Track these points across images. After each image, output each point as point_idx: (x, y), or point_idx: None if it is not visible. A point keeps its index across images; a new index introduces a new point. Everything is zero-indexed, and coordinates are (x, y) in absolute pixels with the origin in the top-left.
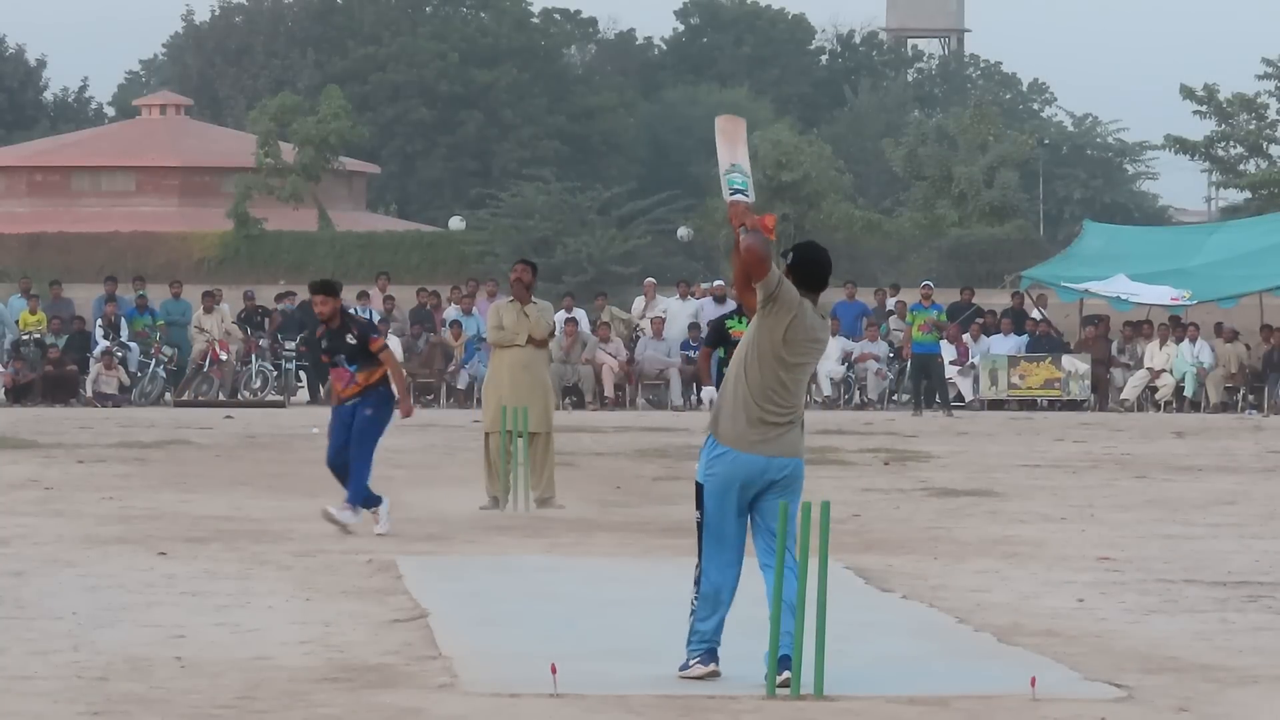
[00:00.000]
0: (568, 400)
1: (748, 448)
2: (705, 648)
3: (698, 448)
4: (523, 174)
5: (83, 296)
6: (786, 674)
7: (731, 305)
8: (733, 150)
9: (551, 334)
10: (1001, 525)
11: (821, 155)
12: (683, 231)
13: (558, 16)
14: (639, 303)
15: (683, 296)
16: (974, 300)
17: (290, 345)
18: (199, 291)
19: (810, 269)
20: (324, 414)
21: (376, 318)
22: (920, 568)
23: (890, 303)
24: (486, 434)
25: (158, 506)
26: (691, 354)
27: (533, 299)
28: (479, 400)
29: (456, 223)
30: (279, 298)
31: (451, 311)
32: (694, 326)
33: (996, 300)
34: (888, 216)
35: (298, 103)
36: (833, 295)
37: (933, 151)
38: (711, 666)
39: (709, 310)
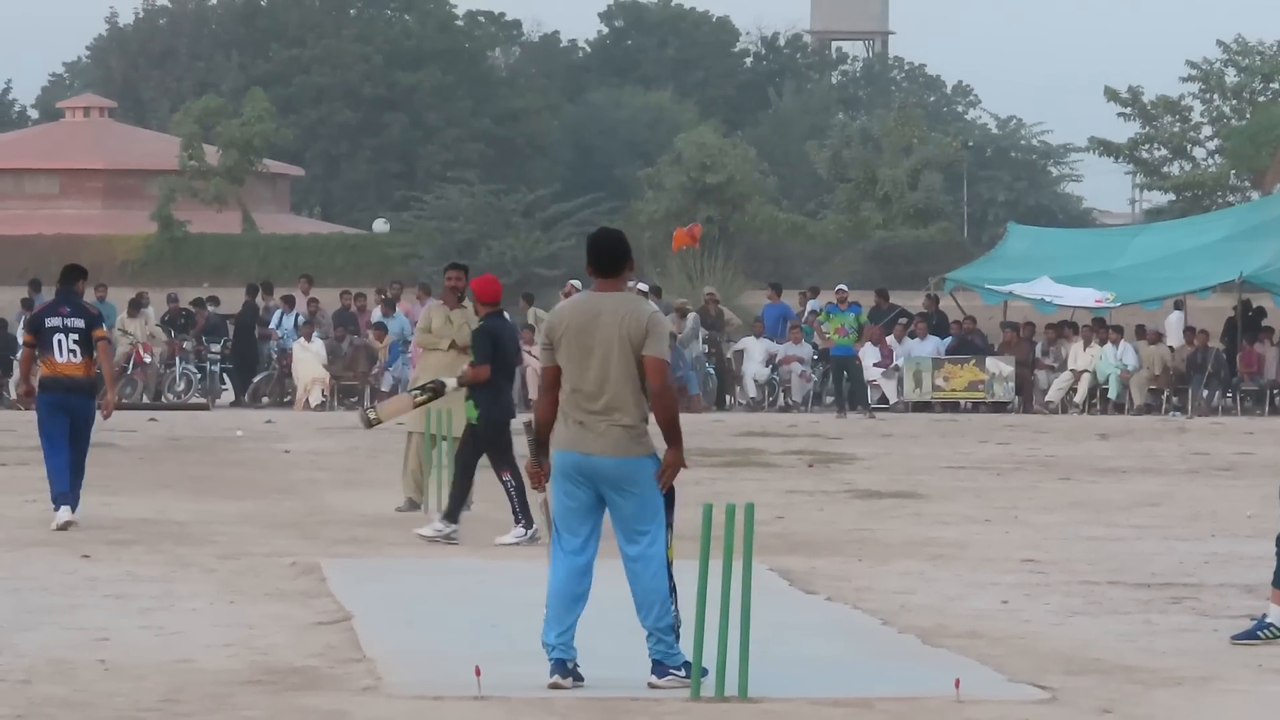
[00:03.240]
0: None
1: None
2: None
3: None
4: (447, 176)
5: (5, 299)
6: (653, 677)
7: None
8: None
9: None
10: (926, 527)
11: (746, 158)
12: None
13: (482, 19)
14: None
15: None
16: (891, 302)
17: (215, 348)
18: (123, 294)
19: (592, 251)
20: (250, 417)
21: (301, 320)
22: (845, 569)
23: (812, 304)
24: (409, 435)
25: (81, 509)
26: None
27: (463, 304)
28: None
29: (380, 225)
30: (198, 302)
31: (376, 314)
32: None
33: (920, 303)
34: (812, 219)
35: (222, 105)
36: (757, 298)
37: (857, 154)
38: (555, 679)
39: None
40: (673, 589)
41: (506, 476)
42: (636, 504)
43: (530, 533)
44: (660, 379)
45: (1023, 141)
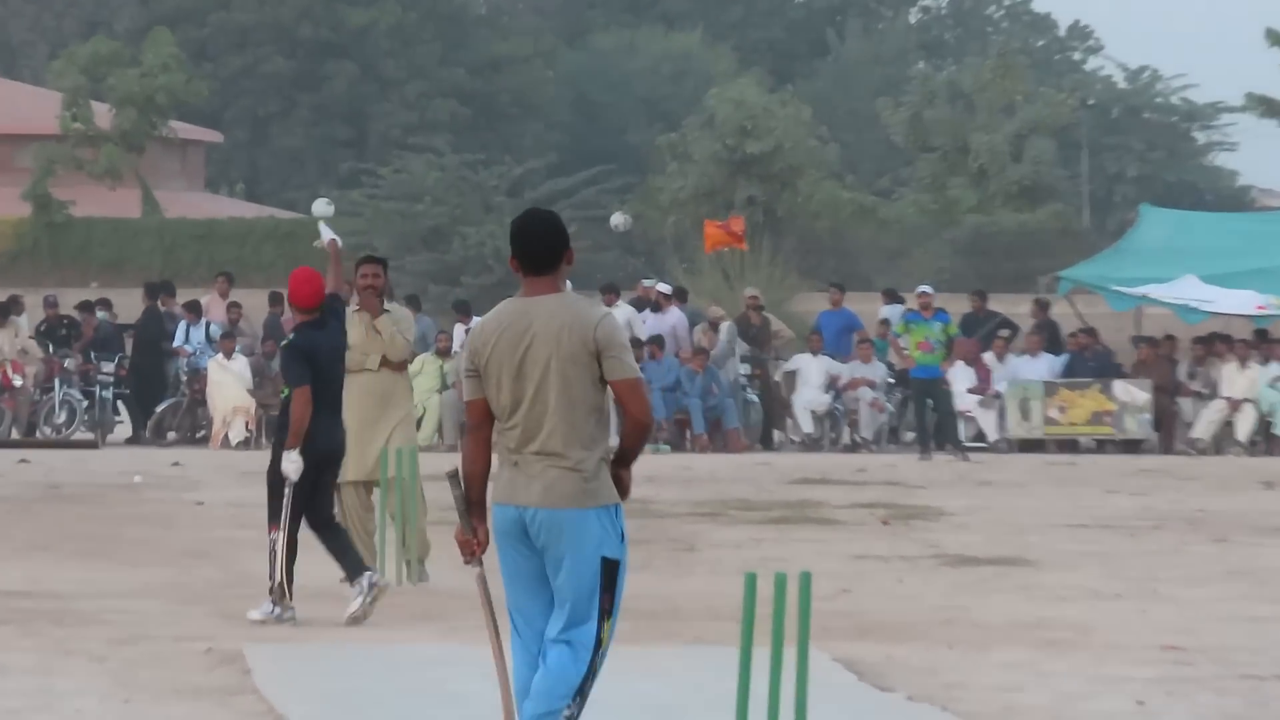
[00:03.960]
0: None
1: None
2: None
3: (636, 500)
4: (408, 143)
5: None
6: None
7: (677, 316)
8: None
9: (411, 355)
10: (1037, 604)
11: (798, 119)
12: (617, 219)
13: None
14: None
15: (609, 305)
16: (990, 309)
17: (107, 368)
18: None
19: (516, 240)
20: (152, 457)
21: (217, 332)
22: (931, 659)
23: (886, 312)
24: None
25: None
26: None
27: (387, 307)
28: None
29: (322, 207)
30: (85, 306)
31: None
32: (635, 343)
33: (1028, 309)
34: (885, 200)
35: (116, 50)
36: (814, 303)
37: (943, 115)
38: None
39: (649, 322)
40: (583, 692)
41: (273, 534)
42: (569, 570)
43: (279, 612)
44: (642, 406)
45: (1159, 100)
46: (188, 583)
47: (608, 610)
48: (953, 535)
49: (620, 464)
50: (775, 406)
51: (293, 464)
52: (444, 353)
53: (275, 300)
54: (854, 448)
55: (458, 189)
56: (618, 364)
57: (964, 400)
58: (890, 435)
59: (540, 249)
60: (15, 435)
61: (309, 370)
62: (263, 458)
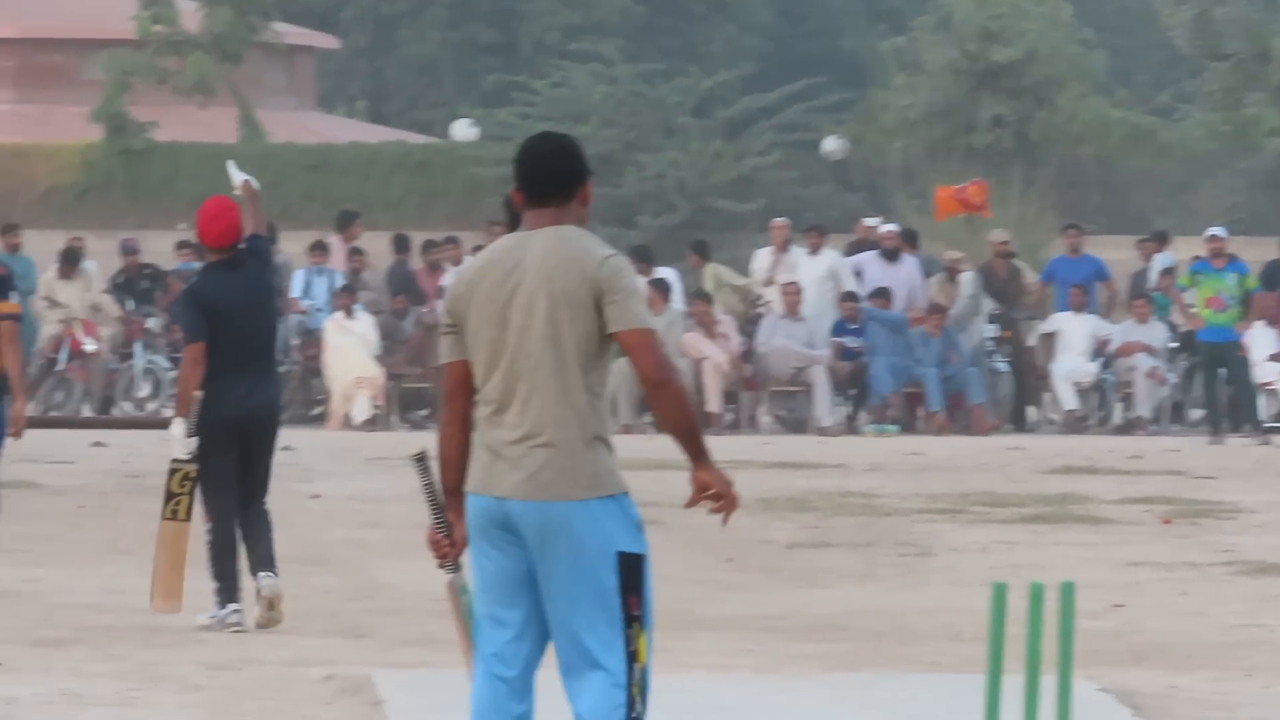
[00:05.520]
0: (647, 418)
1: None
2: None
3: (857, 493)
4: (570, 50)
5: None
6: None
7: (910, 265)
8: None
9: None
10: None
11: (1057, 20)
12: (832, 144)
13: None
14: (762, 258)
15: (812, 249)
16: None
17: None
18: (48, 241)
19: (520, 165)
20: None
21: (338, 284)
22: (1225, 690)
23: (1164, 260)
24: None
25: None
26: (848, 341)
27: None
28: None
29: (464, 129)
30: (180, 250)
31: (453, 274)
32: (849, 297)
33: None
34: (1165, 120)
35: None
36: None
37: (1238, 13)
38: None
39: (873, 269)
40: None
41: (207, 524)
42: (573, 579)
43: (224, 615)
44: (653, 360)
45: None
46: (301, 595)
47: (637, 616)
48: (1251, 537)
49: (694, 460)
50: (1030, 377)
51: (177, 435)
52: None
53: (402, 245)
54: (1127, 428)
55: (631, 107)
56: (623, 310)
57: (1265, 370)
58: (1173, 413)
59: (541, 173)
60: (88, 412)
61: (204, 323)
62: (393, 440)
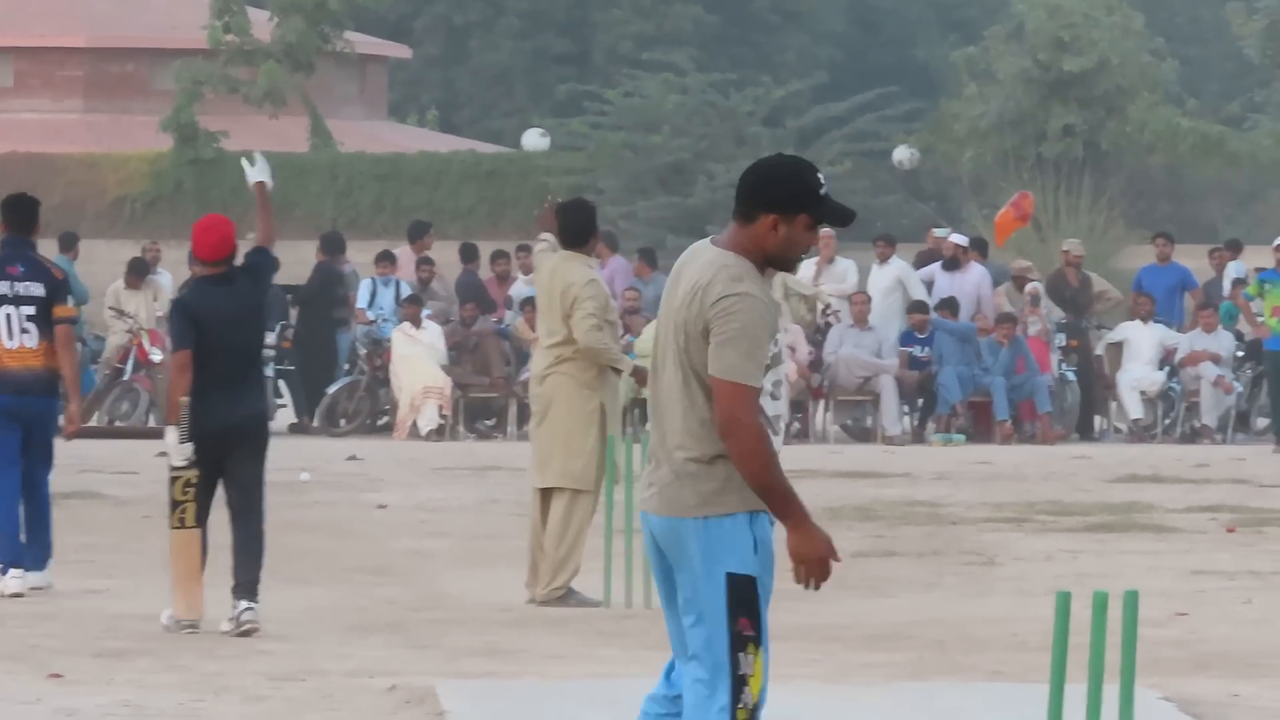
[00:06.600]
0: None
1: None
2: None
3: (923, 502)
4: (642, 60)
5: None
6: None
7: (979, 274)
8: None
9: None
10: None
11: (1128, 30)
12: (903, 153)
13: None
14: (807, 268)
15: (881, 259)
16: None
17: (268, 339)
18: (118, 250)
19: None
20: (322, 449)
21: (406, 293)
22: None
23: (1235, 269)
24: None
25: (50, 599)
26: (918, 351)
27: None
28: None
29: (535, 138)
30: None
31: (524, 284)
32: (918, 307)
33: None
34: (1235, 130)
35: None
36: (1146, 256)
37: None
38: None
39: (941, 279)
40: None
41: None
42: (689, 592)
43: (171, 616)
44: (723, 409)
45: None
46: (366, 605)
47: (750, 637)
48: None
49: (781, 521)
50: (1097, 386)
51: (172, 443)
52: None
53: (469, 255)
54: (1194, 437)
55: (703, 117)
56: (716, 354)
57: None
58: (1239, 422)
59: (739, 186)
60: (153, 423)
61: (191, 333)
62: (460, 450)
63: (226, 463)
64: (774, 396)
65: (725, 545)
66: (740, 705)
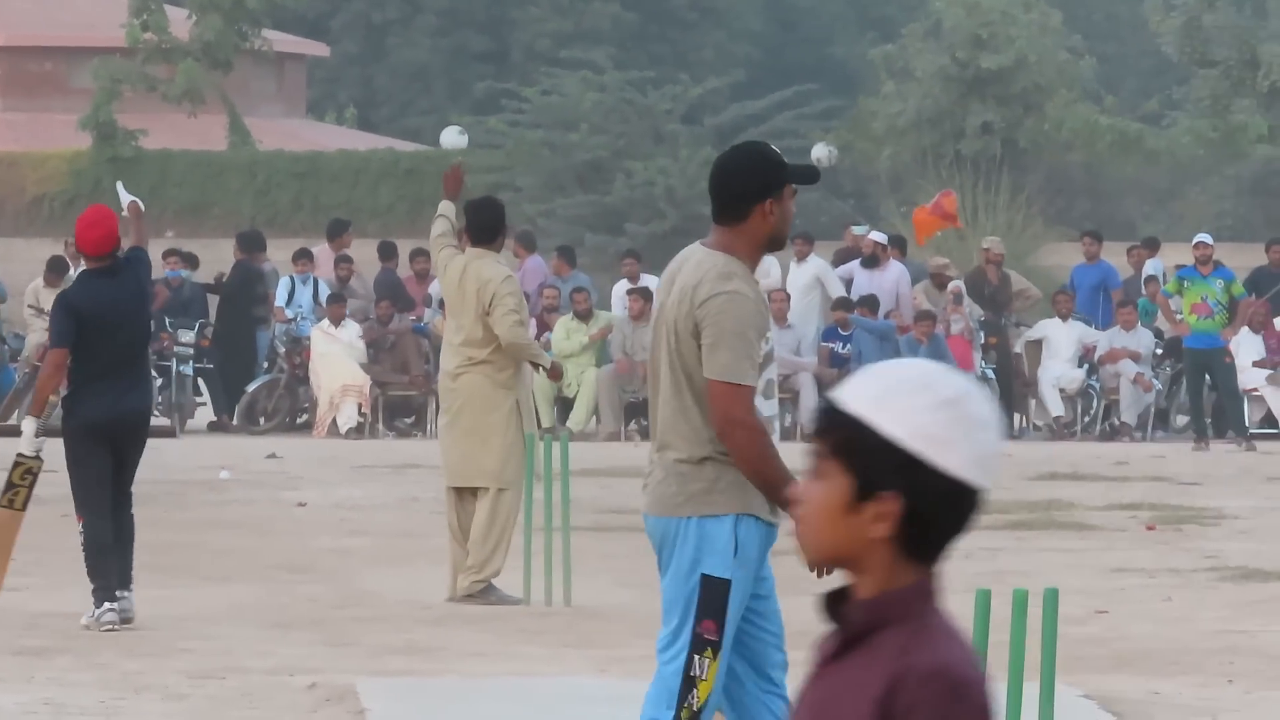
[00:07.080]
0: (633, 424)
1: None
2: None
3: None
4: (560, 58)
5: None
6: None
7: (898, 272)
8: None
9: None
10: None
11: (1046, 27)
12: (821, 151)
13: None
14: None
15: (799, 257)
16: None
17: (186, 337)
18: (35, 249)
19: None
20: (242, 448)
21: (325, 292)
22: (1208, 697)
23: (1153, 266)
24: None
25: None
26: (840, 348)
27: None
28: None
29: (453, 137)
30: (168, 258)
31: (436, 285)
32: (842, 304)
33: None
34: (1153, 127)
35: None
36: (1066, 255)
37: (1226, 22)
38: None
39: (860, 276)
40: None
41: (80, 525)
42: (666, 586)
43: (99, 613)
44: (717, 411)
45: None
46: (287, 603)
47: (711, 642)
48: (1234, 544)
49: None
50: (1015, 384)
51: (28, 433)
52: (583, 315)
53: (388, 253)
54: (1113, 435)
55: (621, 115)
56: (709, 355)
57: (1250, 376)
58: (1158, 419)
59: (712, 189)
60: None
61: (72, 329)
62: (380, 447)
63: (108, 453)
64: (765, 396)
65: (707, 546)
66: (685, 705)
